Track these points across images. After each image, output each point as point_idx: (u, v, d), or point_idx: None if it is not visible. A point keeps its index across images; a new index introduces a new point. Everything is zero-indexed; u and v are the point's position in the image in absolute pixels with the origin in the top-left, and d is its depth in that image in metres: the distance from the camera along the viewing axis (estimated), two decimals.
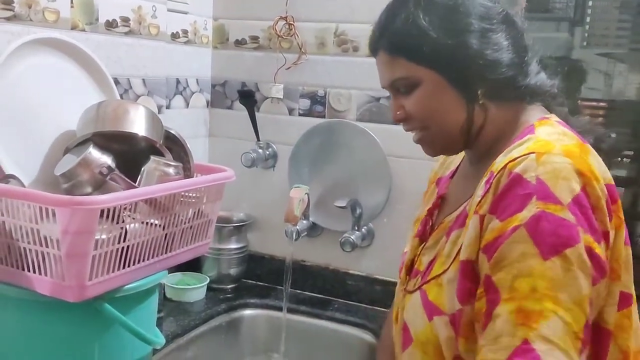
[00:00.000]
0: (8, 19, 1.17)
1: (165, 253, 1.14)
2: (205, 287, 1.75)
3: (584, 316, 0.70)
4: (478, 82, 0.88)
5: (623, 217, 0.79)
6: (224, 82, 1.89)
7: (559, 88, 0.94)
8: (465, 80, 0.88)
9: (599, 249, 0.72)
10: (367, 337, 1.64)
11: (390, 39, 0.91)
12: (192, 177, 1.25)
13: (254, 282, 1.90)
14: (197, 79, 1.83)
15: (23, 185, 1.04)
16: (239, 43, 1.85)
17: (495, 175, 0.79)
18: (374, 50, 0.96)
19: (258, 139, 1.84)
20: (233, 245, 1.83)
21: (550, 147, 0.77)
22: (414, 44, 0.88)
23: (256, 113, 1.82)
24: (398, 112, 0.94)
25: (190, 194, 1.18)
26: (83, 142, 1.13)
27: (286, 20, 1.76)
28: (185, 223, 1.17)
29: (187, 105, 1.80)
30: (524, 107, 0.92)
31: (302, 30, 1.77)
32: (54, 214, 0.94)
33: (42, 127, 1.17)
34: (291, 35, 1.77)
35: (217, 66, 1.89)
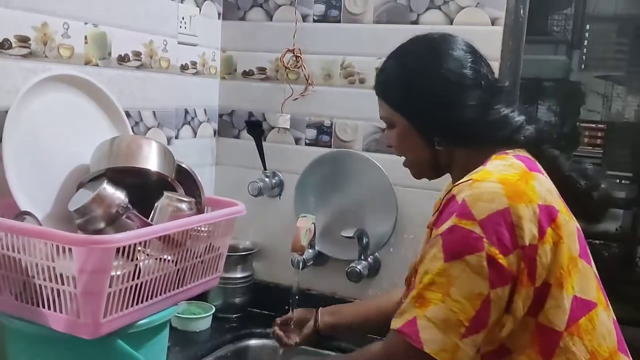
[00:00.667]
0: (24, 56, 1.20)
1: (177, 288, 1.15)
2: (211, 317, 1.75)
3: (473, 309, 0.87)
4: (434, 131, 1.06)
5: (562, 234, 0.92)
6: (231, 112, 1.92)
7: (544, 131, 1.07)
8: (423, 128, 1.06)
9: (503, 260, 0.87)
10: None
11: (378, 88, 1.13)
12: (203, 210, 1.27)
13: (259, 311, 1.90)
14: (205, 109, 1.86)
15: (38, 222, 1.06)
16: (247, 74, 1.88)
17: (444, 197, 0.98)
18: (374, 89, 1.17)
19: (265, 168, 1.85)
20: (239, 274, 1.84)
21: (487, 175, 0.93)
22: (388, 92, 1.11)
23: (263, 142, 1.84)
24: (386, 141, 1.18)
25: (202, 229, 1.19)
26: (97, 177, 1.15)
27: (293, 53, 1.79)
28: (196, 258, 1.18)
29: (195, 134, 1.82)
30: (494, 150, 1.03)
31: (309, 62, 1.79)
32: (69, 251, 0.95)
33: (56, 161, 1.19)
34: (298, 67, 1.80)
35: (225, 96, 1.92)
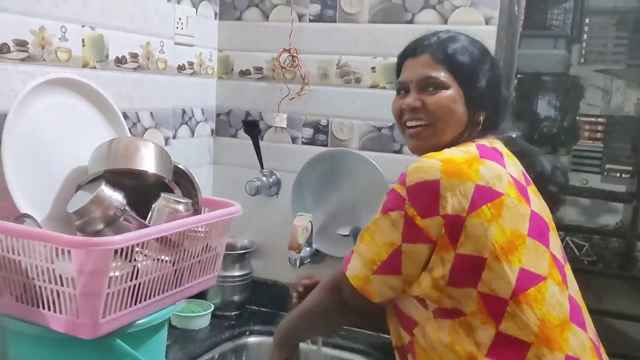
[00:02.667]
0: (22, 60, 1.21)
1: (175, 288, 1.17)
2: (210, 315, 1.77)
3: (386, 253, 1.06)
4: (482, 107, 1.16)
5: (502, 214, 1.03)
6: (228, 112, 1.93)
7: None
8: (474, 102, 1.15)
9: (420, 221, 1.02)
10: None
11: (444, 51, 1.15)
12: (200, 211, 1.28)
13: (257, 308, 1.92)
14: (202, 109, 1.87)
15: (38, 224, 1.08)
16: (244, 74, 1.89)
17: None
18: (420, 51, 1.18)
19: (262, 167, 1.87)
20: (237, 272, 1.86)
21: (437, 155, 1.07)
22: (459, 62, 1.15)
23: (260, 142, 1.86)
24: (417, 102, 1.16)
25: (199, 229, 1.21)
26: (95, 179, 1.16)
27: (290, 52, 1.80)
28: (194, 258, 1.20)
29: (193, 134, 1.84)
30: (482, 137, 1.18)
31: (305, 62, 1.81)
32: (68, 253, 0.97)
33: (55, 164, 1.20)
34: (294, 67, 1.81)
35: (222, 96, 1.93)
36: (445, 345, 1.05)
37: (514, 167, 1.13)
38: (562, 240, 3.17)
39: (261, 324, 1.82)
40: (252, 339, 1.78)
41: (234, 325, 1.80)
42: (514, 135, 1.26)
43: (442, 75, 1.14)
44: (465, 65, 1.15)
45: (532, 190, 1.14)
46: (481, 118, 1.17)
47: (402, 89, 1.21)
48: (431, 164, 1.05)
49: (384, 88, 1.73)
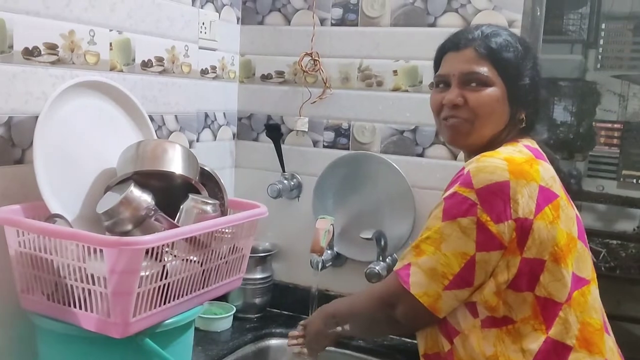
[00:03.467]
0: (53, 63, 1.23)
1: (203, 288, 1.18)
2: (232, 317, 1.78)
3: (458, 265, 0.98)
4: (524, 106, 1.13)
5: (560, 215, 1.02)
6: (250, 115, 1.95)
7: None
8: (517, 100, 1.13)
9: (494, 227, 0.97)
10: None
11: (489, 46, 1.12)
12: (227, 213, 1.29)
13: (279, 311, 1.92)
14: (224, 113, 1.89)
15: (69, 224, 1.09)
16: (265, 78, 1.91)
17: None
18: (463, 45, 1.15)
19: (283, 171, 1.88)
20: (258, 275, 1.86)
21: (495, 154, 1.03)
22: (504, 58, 1.12)
23: (282, 145, 1.87)
24: (459, 98, 1.12)
25: (226, 230, 1.22)
26: (123, 181, 1.18)
27: (311, 56, 1.81)
28: (221, 259, 1.21)
29: (215, 138, 1.85)
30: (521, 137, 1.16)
31: (327, 66, 1.82)
32: (100, 252, 0.98)
33: (84, 165, 1.22)
34: (316, 71, 1.82)
35: (244, 100, 1.95)
36: (487, 358, 1.01)
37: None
38: None
39: (283, 326, 1.82)
40: (274, 342, 1.79)
41: (256, 327, 1.80)
42: (546, 137, 1.24)
43: (486, 70, 1.11)
44: (509, 62, 1.12)
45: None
46: (523, 116, 1.14)
47: (442, 83, 1.17)
48: (497, 164, 1.00)
49: (406, 91, 1.73)
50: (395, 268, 1.06)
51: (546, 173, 1.04)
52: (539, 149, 1.13)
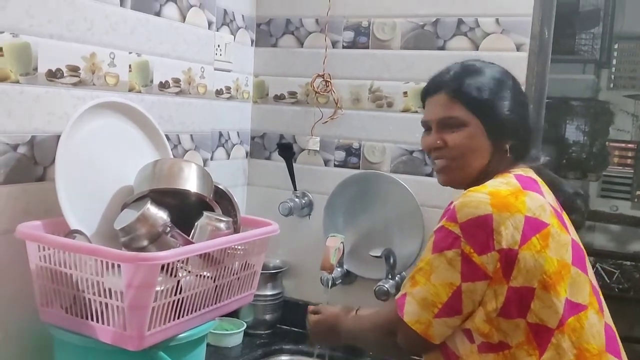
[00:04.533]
0: (74, 84, 1.28)
1: (215, 303, 1.21)
2: (243, 333, 1.80)
3: (445, 295, 1.03)
4: (506, 136, 1.16)
5: (549, 244, 1.04)
6: (263, 135, 1.99)
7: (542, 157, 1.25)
8: (497, 132, 1.15)
9: (477, 258, 1.01)
10: None
11: (458, 88, 1.17)
12: (239, 230, 1.33)
13: (289, 328, 1.94)
14: (237, 132, 1.93)
15: (88, 240, 1.13)
16: (278, 98, 1.95)
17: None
18: (435, 90, 1.21)
19: (295, 189, 1.91)
20: (269, 292, 1.89)
21: (481, 189, 1.07)
22: (473, 98, 1.15)
23: (293, 164, 1.90)
24: (438, 142, 1.18)
25: (238, 247, 1.25)
26: (140, 198, 1.22)
27: (323, 78, 1.86)
28: (233, 275, 1.24)
29: (229, 156, 1.89)
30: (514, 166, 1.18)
31: (338, 87, 1.86)
32: (117, 267, 1.02)
33: (103, 183, 1.26)
34: (328, 91, 1.86)
35: (257, 119, 1.99)
36: None
37: (549, 195, 1.14)
38: (592, 267, 3.14)
39: (292, 343, 1.84)
40: (284, 358, 1.81)
41: (266, 343, 1.83)
42: (542, 162, 1.25)
43: (459, 112, 1.15)
44: (480, 99, 1.15)
45: (566, 217, 1.15)
46: (507, 147, 1.16)
47: (426, 127, 1.24)
48: (480, 198, 1.04)
49: (416, 112, 1.76)
50: (396, 297, 1.12)
51: (533, 203, 1.06)
52: (532, 177, 1.15)
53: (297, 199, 1.90)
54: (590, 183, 5.27)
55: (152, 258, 1.00)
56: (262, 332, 1.88)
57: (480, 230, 1.02)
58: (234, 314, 1.85)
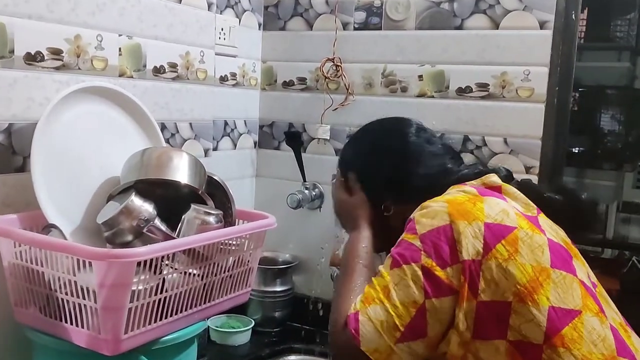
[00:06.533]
0: (57, 68, 1.20)
1: (204, 303, 1.12)
2: (250, 331, 1.72)
3: (408, 316, 0.93)
4: (383, 195, 1.12)
5: (519, 249, 0.94)
6: (271, 123, 1.90)
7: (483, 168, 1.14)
8: (373, 194, 1.14)
9: (440, 272, 0.93)
10: None
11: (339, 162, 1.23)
12: (234, 223, 1.24)
13: (299, 325, 1.86)
14: (245, 121, 1.84)
15: (63, 235, 1.05)
16: (287, 84, 1.86)
17: None
18: None
19: (304, 180, 1.82)
20: (278, 288, 1.81)
21: (437, 198, 1.01)
22: (343, 163, 1.21)
23: (302, 154, 1.81)
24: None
25: (231, 242, 1.16)
26: (126, 189, 1.14)
27: (333, 62, 1.76)
28: (225, 272, 1.15)
29: (235, 146, 1.81)
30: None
31: (349, 71, 1.75)
32: (90, 265, 0.94)
33: (88, 173, 1.18)
34: (338, 77, 1.76)
35: (265, 107, 1.90)
36: None
37: (515, 200, 1.05)
38: (628, 260, 2.98)
39: (302, 342, 1.77)
40: (293, 358, 1.73)
41: (275, 342, 1.75)
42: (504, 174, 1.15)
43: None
44: (348, 166, 1.19)
45: (543, 218, 1.04)
46: (385, 206, 1.12)
47: None
48: (437, 208, 0.98)
49: (432, 97, 1.65)
50: (348, 313, 0.98)
51: (492, 209, 0.98)
52: (491, 185, 1.07)
53: (306, 191, 1.81)
54: (625, 174, 5.08)
55: (125, 255, 0.91)
56: (271, 329, 1.80)
57: (441, 241, 0.94)
58: (242, 311, 1.77)
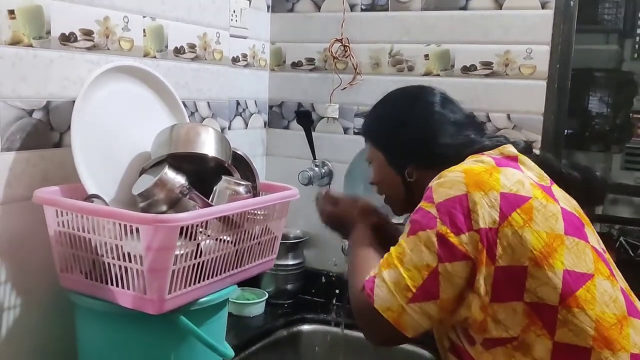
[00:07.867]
0: (89, 48, 1.25)
1: (236, 268, 1.19)
2: (264, 302, 1.79)
3: (421, 278, 0.98)
4: (406, 161, 1.17)
5: (533, 217, 1.00)
6: (281, 103, 1.96)
7: (504, 138, 1.18)
8: (396, 160, 1.19)
9: (454, 239, 0.97)
10: (425, 353, 1.65)
11: (362, 129, 1.29)
12: (259, 195, 1.30)
13: (310, 297, 1.93)
14: (255, 101, 1.90)
15: (106, 203, 1.11)
16: (296, 65, 1.92)
17: None
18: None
19: (314, 158, 1.88)
20: (290, 262, 1.88)
21: (455, 168, 1.05)
22: (368, 133, 1.25)
23: (312, 132, 1.87)
24: (369, 180, 1.27)
25: (258, 212, 1.23)
26: (158, 163, 1.20)
27: (341, 42, 1.81)
28: (253, 239, 1.22)
29: (246, 126, 1.87)
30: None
31: (357, 52, 1.81)
32: (136, 231, 1.00)
33: (120, 149, 1.24)
34: (346, 57, 1.82)
35: (275, 88, 1.96)
36: None
37: (530, 170, 1.10)
38: (616, 241, 3.08)
39: (314, 312, 1.83)
40: (305, 327, 1.80)
41: (288, 313, 1.82)
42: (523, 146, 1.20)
43: (368, 150, 1.24)
44: (374, 133, 1.24)
45: (556, 189, 1.10)
46: (408, 171, 1.17)
47: None
48: (454, 178, 1.02)
49: (438, 75, 1.72)
50: (368, 276, 1.05)
51: (509, 179, 1.03)
52: (509, 155, 1.12)
53: (316, 168, 1.87)
54: (613, 155, 5.18)
55: (171, 220, 0.98)
56: (284, 301, 1.88)
57: (456, 210, 0.99)
58: (256, 283, 1.84)
